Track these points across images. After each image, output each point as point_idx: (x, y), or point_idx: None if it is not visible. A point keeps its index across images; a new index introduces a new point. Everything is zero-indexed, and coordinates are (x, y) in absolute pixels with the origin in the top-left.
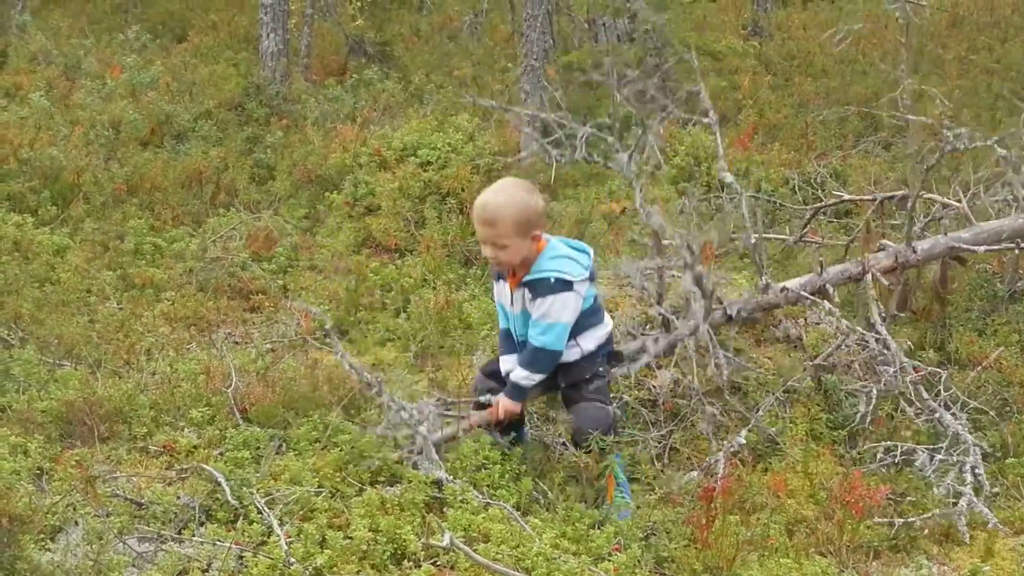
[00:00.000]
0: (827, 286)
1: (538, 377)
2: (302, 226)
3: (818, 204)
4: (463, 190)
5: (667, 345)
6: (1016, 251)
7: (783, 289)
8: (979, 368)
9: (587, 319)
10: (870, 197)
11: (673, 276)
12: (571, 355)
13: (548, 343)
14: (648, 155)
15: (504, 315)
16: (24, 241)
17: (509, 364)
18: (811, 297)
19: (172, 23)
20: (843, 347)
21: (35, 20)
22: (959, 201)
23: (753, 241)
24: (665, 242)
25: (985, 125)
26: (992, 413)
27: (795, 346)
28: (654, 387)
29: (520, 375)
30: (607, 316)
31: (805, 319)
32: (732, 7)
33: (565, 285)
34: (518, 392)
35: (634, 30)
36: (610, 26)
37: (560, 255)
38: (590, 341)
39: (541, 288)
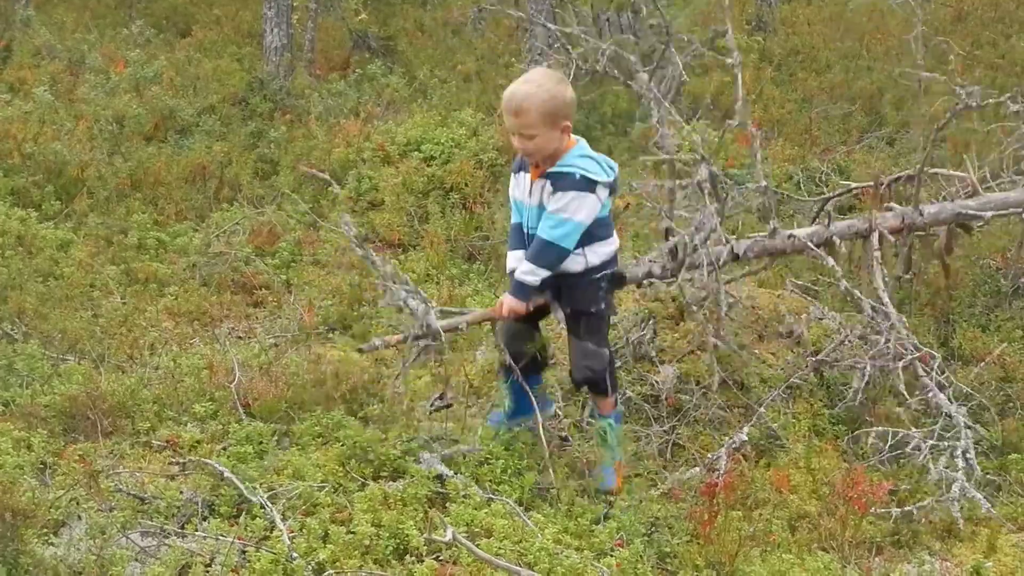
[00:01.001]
0: (834, 238)
1: (543, 273)
2: (305, 221)
3: (826, 195)
4: (466, 185)
5: (676, 255)
6: (1023, 218)
7: (790, 236)
8: (982, 364)
9: (597, 229)
10: (877, 181)
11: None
12: (575, 264)
13: (557, 237)
14: (669, 78)
15: (518, 210)
16: (28, 236)
17: (515, 261)
18: (815, 249)
19: (176, 18)
20: (846, 342)
21: (39, 15)
22: (965, 174)
23: (764, 184)
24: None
25: (989, 117)
26: (994, 410)
27: (797, 342)
28: (657, 382)
29: (525, 270)
30: (615, 234)
31: (807, 314)
32: (737, 2)
33: (588, 184)
34: (521, 289)
35: (638, 25)
36: (614, 21)
37: (588, 155)
38: (595, 255)
39: (564, 182)
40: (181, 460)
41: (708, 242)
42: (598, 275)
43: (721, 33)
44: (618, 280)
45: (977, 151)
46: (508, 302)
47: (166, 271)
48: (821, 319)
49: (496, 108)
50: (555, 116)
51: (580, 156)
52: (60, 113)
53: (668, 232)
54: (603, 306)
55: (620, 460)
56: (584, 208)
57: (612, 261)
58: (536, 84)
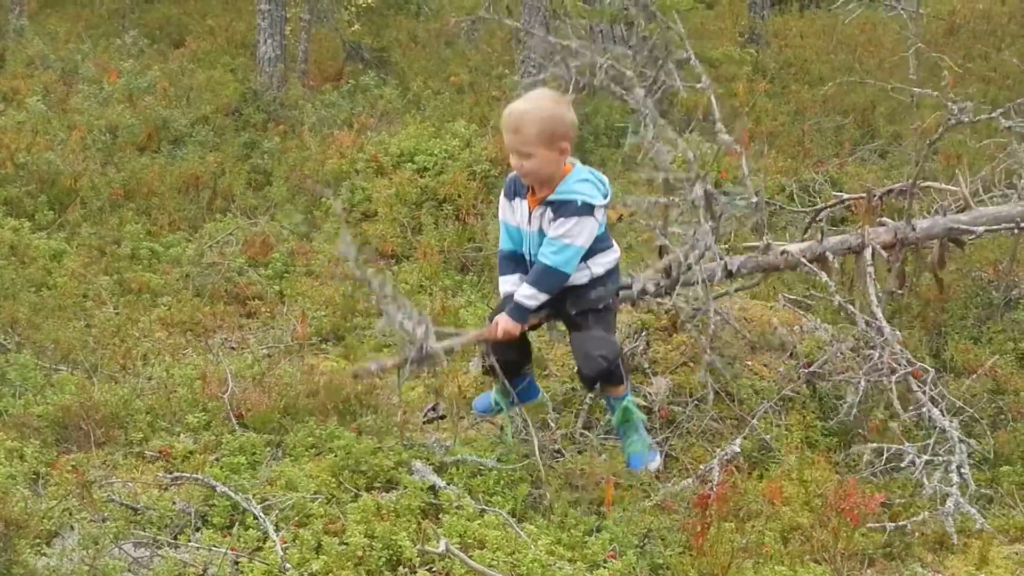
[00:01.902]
0: (827, 254)
1: (543, 297)
2: (298, 232)
3: (818, 207)
4: (460, 196)
5: (671, 271)
6: (1015, 232)
7: (783, 252)
8: (974, 376)
9: (598, 243)
10: (869, 194)
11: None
12: (581, 278)
13: (560, 263)
14: (663, 93)
15: (510, 235)
16: (21, 246)
17: (510, 285)
18: (809, 264)
19: (169, 28)
20: (838, 354)
21: (32, 24)
22: (957, 188)
23: (755, 200)
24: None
25: (981, 132)
26: (985, 422)
27: (790, 353)
28: (650, 394)
29: (525, 293)
30: (614, 243)
31: (800, 327)
32: (729, 14)
33: (589, 209)
34: (519, 311)
35: (631, 37)
36: (607, 33)
37: (585, 179)
38: (599, 266)
39: (566, 209)
40: (172, 474)
41: (702, 260)
42: (605, 285)
43: (685, 61)
44: (623, 287)
45: (969, 164)
46: (504, 323)
47: (159, 281)
48: (815, 331)
49: (490, 119)
50: (553, 136)
51: (579, 181)
52: (53, 123)
53: (662, 250)
54: (610, 300)
55: (609, 479)
56: (585, 232)
57: (615, 270)
58: (536, 103)
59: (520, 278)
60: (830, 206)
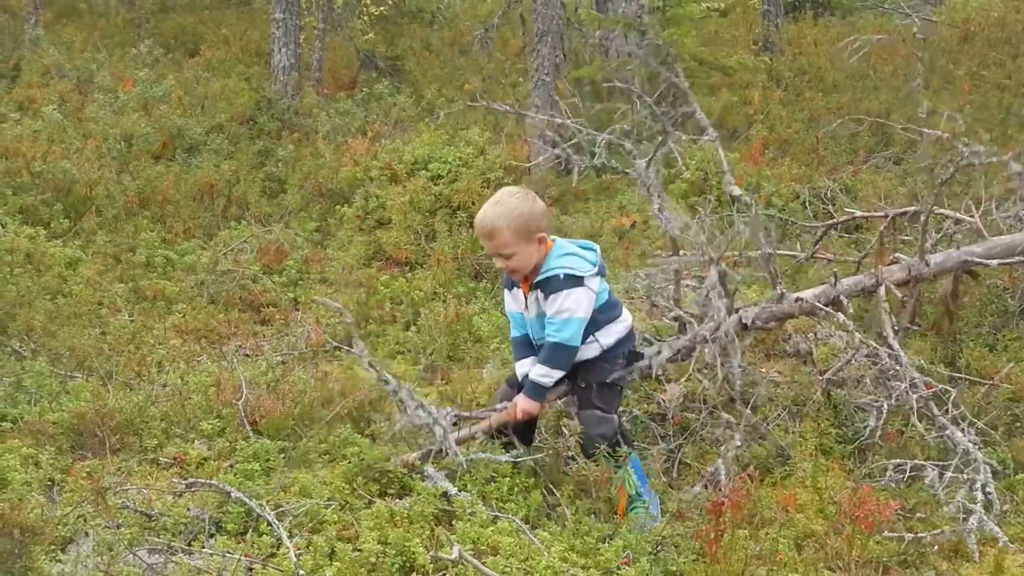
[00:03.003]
0: (841, 297)
1: (557, 374)
2: (313, 239)
3: (830, 221)
4: (473, 204)
5: (686, 345)
6: None
7: (797, 299)
8: (989, 384)
9: (603, 314)
10: (881, 214)
11: (688, 286)
12: (590, 351)
13: (565, 339)
14: (666, 162)
15: (517, 323)
16: (37, 253)
17: (525, 367)
18: (825, 308)
19: (184, 37)
20: (853, 361)
21: (48, 34)
22: (971, 216)
23: (767, 252)
24: (683, 237)
25: (996, 140)
26: (1001, 430)
27: (805, 360)
28: (663, 401)
29: (539, 372)
30: (625, 311)
31: (815, 333)
32: (743, 22)
33: (575, 280)
34: (536, 391)
35: (645, 46)
36: (620, 42)
37: (566, 252)
38: (608, 336)
39: (552, 285)
40: (187, 480)
41: (718, 333)
42: (617, 357)
43: (689, 114)
44: (635, 357)
45: (984, 184)
46: (523, 404)
47: (174, 289)
48: (830, 338)
49: (503, 126)
50: (527, 231)
51: (559, 256)
52: (69, 132)
53: (679, 321)
54: (618, 375)
55: (624, 484)
56: (582, 303)
57: (628, 337)
58: (502, 205)
59: (532, 360)
60: (841, 221)
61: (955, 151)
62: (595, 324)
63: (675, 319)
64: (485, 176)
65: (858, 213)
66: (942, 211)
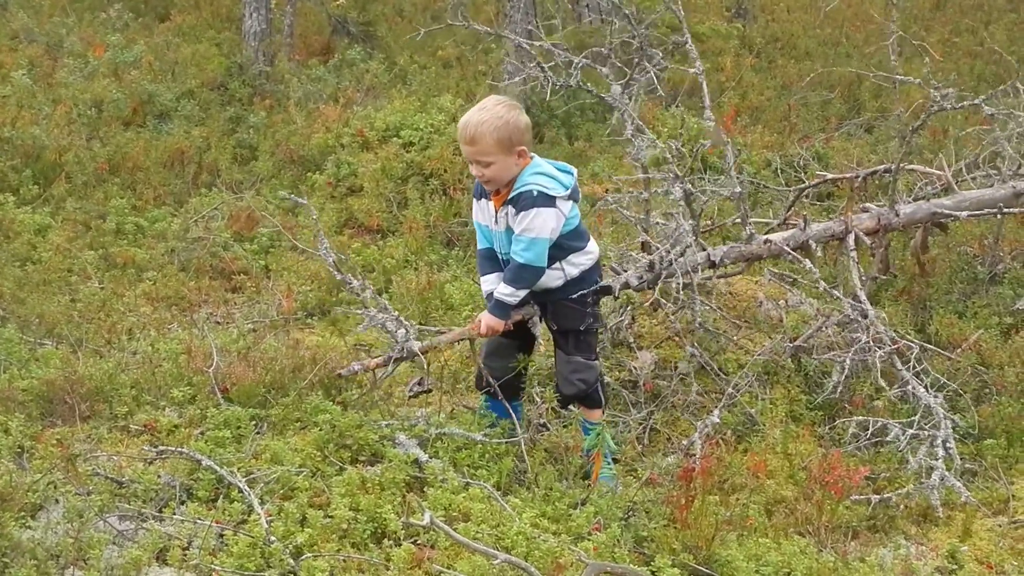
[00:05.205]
0: (810, 242)
1: (521, 293)
2: (284, 206)
3: (802, 185)
4: (446, 171)
5: (653, 268)
6: (998, 216)
7: (766, 241)
8: (958, 350)
9: (569, 241)
10: (852, 175)
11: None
12: (555, 280)
13: (531, 259)
14: (641, 87)
15: (484, 235)
16: (5, 220)
17: (491, 283)
18: (793, 252)
19: (155, 2)
20: (823, 329)
21: None
22: (942, 171)
23: (739, 191)
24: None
25: (967, 113)
26: (969, 396)
27: (775, 328)
28: (635, 368)
29: (504, 291)
30: (592, 243)
31: (786, 301)
32: None
33: (547, 200)
34: (501, 309)
35: (617, 10)
36: (593, 6)
37: (542, 172)
38: (573, 267)
39: (523, 202)
40: (157, 447)
41: (683, 256)
42: (582, 291)
43: (681, 44)
44: (603, 291)
45: (954, 144)
46: (487, 320)
47: (144, 256)
48: (800, 305)
49: (476, 94)
50: (509, 142)
51: (533, 173)
52: (38, 97)
53: (645, 245)
54: (591, 321)
55: (598, 451)
56: (549, 223)
57: (593, 270)
58: (489, 111)
59: (498, 276)
60: (813, 185)
61: (928, 98)
62: (561, 250)
63: (642, 245)
64: (457, 143)
65: (830, 176)
66: (913, 167)
